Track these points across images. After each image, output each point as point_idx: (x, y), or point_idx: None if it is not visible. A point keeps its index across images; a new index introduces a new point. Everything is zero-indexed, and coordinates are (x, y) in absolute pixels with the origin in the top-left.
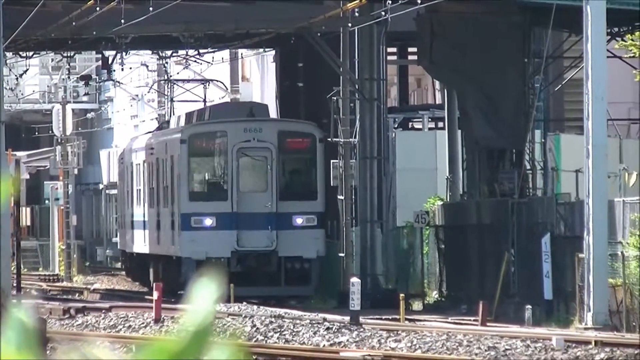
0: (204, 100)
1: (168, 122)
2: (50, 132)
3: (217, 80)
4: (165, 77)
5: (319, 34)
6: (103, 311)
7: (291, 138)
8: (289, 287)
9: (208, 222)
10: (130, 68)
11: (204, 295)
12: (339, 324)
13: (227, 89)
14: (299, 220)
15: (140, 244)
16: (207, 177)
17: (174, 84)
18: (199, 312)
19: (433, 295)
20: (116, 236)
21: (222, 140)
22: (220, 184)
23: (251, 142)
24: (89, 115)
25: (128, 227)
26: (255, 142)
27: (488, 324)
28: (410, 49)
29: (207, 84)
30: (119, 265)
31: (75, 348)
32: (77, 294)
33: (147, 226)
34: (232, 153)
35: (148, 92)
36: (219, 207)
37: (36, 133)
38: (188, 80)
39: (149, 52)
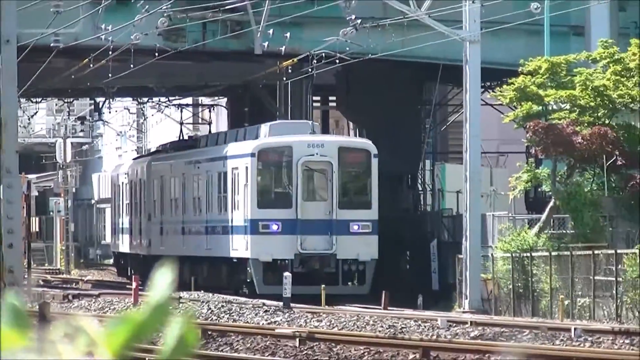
0: (209, 123)
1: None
2: (54, 159)
3: (220, 105)
4: (143, 119)
5: (260, 86)
6: (93, 297)
7: (349, 153)
8: (346, 286)
9: (274, 227)
10: (116, 111)
11: (162, 280)
12: (274, 308)
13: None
14: (355, 227)
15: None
16: (274, 187)
17: (184, 108)
18: (158, 293)
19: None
20: (104, 239)
21: (288, 154)
22: (286, 193)
23: (314, 157)
24: (84, 147)
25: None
26: (318, 157)
27: (389, 308)
28: (330, 98)
29: (212, 108)
30: (106, 261)
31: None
32: (73, 284)
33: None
34: (297, 166)
35: (129, 129)
36: (284, 214)
37: (43, 160)
38: (195, 105)
39: (130, 99)
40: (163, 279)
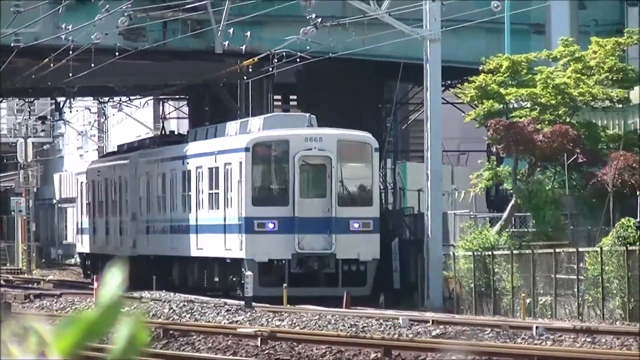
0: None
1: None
2: (15, 159)
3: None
4: (104, 118)
5: (221, 85)
6: (55, 297)
7: (349, 147)
8: (346, 288)
9: (270, 225)
10: (77, 111)
11: (113, 280)
12: (236, 307)
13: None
14: (355, 225)
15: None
16: (269, 183)
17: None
18: (109, 292)
19: None
20: (66, 239)
21: (284, 149)
22: (282, 190)
23: (312, 151)
24: (45, 147)
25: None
26: (316, 151)
27: (351, 307)
28: (291, 96)
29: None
30: (68, 261)
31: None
32: (35, 284)
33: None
34: (294, 160)
35: (90, 129)
36: (281, 211)
37: (4, 160)
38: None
39: (91, 98)
40: (114, 279)
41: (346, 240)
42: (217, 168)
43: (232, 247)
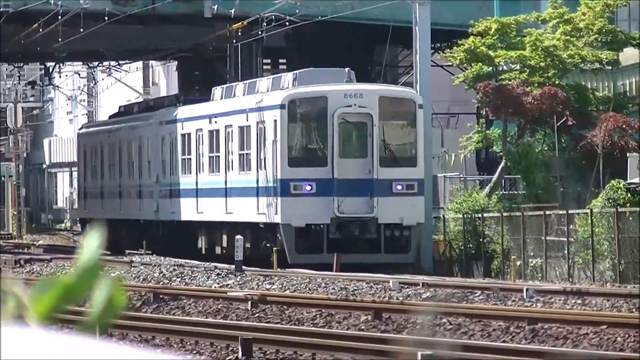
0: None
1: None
2: (4, 124)
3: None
4: (94, 83)
5: (210, 49)
6: (45, 262)
7: (392, 103)
8: (388, 254)
9: (307, 188)
10: (67, 76)
11: (91, 243)
12: (226, 271)
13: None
14: (398, 187)
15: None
16: (306, 143)
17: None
18: (87, 255)
19: None
20: (56, 204)
21: (322, 105)
22: (320, 150)
23: (352, 108)
24: (34, 112)
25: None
26: (356, 108)
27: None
28: (281, 60)
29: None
30: (58, 226)
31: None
32: (25, 249)
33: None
34: (333, 118)
35: (80, 94)
36: (319, 173)
37: None
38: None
39: (81, 63)
40: (92, 241)
41: (388, 204)
42: (248, 127)
43: (265, 211)
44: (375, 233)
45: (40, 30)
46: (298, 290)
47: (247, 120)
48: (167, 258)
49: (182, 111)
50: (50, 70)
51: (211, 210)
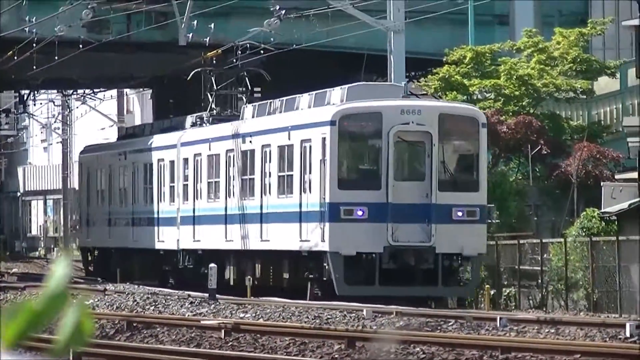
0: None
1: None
2: None
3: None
4: (69, 111)
5: (185, 77)
6: (19, 290)
7: (453, 121)
8: (446, 287)
9: (359, 213)
10: (41, 103)
11: (59, 269)
12: (200, 299)
13: (267, 78)
14: (459, 213)
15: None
16: (358, 163)
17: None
18: (54, 282)
19: None
20: (30, 232)
21: (377, 122)
22: (374, 171)
23: (409, 125)
24: (9, 140)
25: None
26: (414, 126)
27: (315, 300)
28: (256, 88)
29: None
30: (33, 254)
31: None
32: None
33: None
34: (388, 137)
35: (54, 122)
36: (372, 196)
37: None
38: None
39: (55, 91)
40: (60, 269)
41: (448, 231)
42: (290, 146)
43: (310, 238)
44: (432, 263)
45: (15, 57)
46: (272, 319)
47: (289, 138)
48: (141, 286)
49: (209, 131)
50: (25, 98)
51: (243, 238)
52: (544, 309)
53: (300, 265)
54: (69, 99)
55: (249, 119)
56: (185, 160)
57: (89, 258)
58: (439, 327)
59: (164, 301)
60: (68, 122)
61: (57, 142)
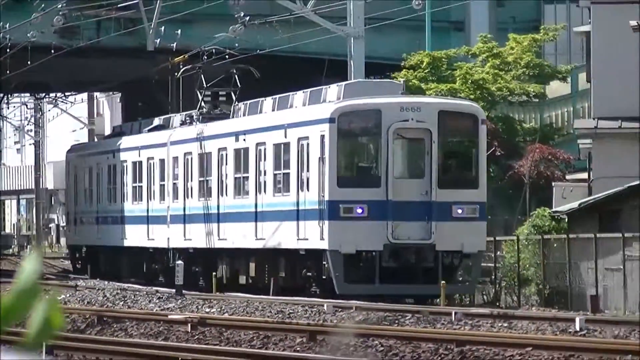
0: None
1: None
2: None
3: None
4: (41, 114)
5: (153, 82)
6: None
7: (452, 118)
8: (446, 285)
9: (359, 211)
10: (14, 106)
11: (30, 265)
12: (167, 294)
13: (257, 75)
14: (459, 211)
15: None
16: (358, 161)
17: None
18: (24, 278)
19: None
20: (4, 230)
21: (376, 119)
22: (373, 169)
23: (409, 122)
24: None
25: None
26: (414, 123)
27: (278, 295)
28: (221, 93)
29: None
30: (6, 251)
31: None
32: None
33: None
34: (388, 134)
35: (27, 124)
36: (371, 194)
37: None
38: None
39: (28, 94)
40: (30, 264)
41: (448, 229)
42: (287, 144)
43: (309, 236)
44: (432, 261)
45: None
46: (236, 314)
47: (285, 136)
48: (110, 282)
49: (200, 129)
50: None
51: (236, 236)
52: (498, 304)
53: (297, 264)
54: (41, 102)
55: (241, 117)
56: (175, 158)
57: (77, 255)
58: (397, 321)
59: (132, 296)
60: (40, 125)
61: (30, 144)
